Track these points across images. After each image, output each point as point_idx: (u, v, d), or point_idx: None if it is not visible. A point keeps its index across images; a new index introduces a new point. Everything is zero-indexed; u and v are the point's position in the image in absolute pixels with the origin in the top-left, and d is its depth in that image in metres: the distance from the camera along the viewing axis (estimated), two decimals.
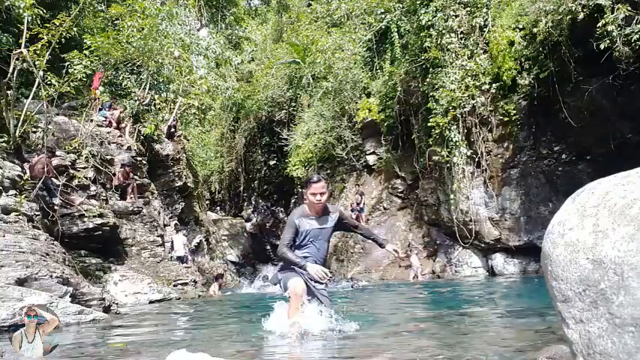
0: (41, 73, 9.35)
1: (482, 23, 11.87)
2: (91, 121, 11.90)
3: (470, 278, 11.84)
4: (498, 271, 11.94)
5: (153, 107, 14.28)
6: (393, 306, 7.24)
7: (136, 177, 12.03)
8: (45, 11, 10.46)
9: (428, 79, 12.37)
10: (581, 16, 8.96)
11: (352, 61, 15.86)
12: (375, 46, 15.88)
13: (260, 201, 23.17)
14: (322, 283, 4.01)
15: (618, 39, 8.47)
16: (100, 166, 10.93)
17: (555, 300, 1.65)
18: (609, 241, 1.45)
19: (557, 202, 9.99)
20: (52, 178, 9.31)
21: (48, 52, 9.42)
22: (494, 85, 11.40)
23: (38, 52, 9.17)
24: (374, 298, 8.92)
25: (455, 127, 11.70)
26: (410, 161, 14.09)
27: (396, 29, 14.96)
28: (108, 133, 12.22)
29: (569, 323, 1.58)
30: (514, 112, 11.38)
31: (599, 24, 8.61)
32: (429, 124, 12.03)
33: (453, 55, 11.78)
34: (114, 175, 11.28)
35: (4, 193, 7.66)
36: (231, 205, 24.37)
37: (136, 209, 11.29)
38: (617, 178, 1.61)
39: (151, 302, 8.80)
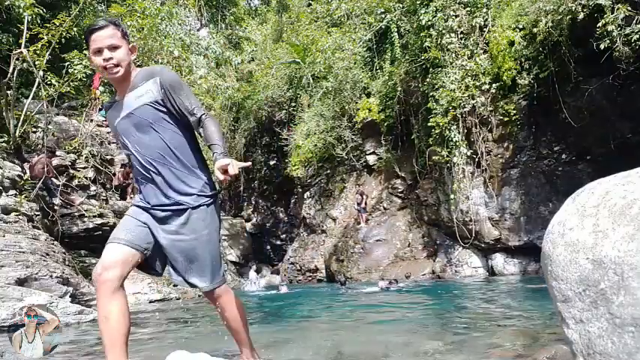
0: (41, 73, 9.36)
1: (483, 23, 11.87)
2: (91, 121, 11.91)
3: (470, 278, 11.84)
4: (498, 271, 11.94)
5: None
6: (394, 306, 7.24)
7: None
8: (45, 11, 10.47)
9: (428, 79, 12.37)
10: (581, 16, 8.96)
11: (352, 61, 15.86)
12: (375, 46, 15.88)
13: (260, 201, 23.16)
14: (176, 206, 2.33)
15: (618, 39, 8.47)
16: (100, 166, 10.93)
17: (555, 300, 1.65)
18: (609, 241, 1.45)
19: (557, 202, 10.00)
20: (52, 178, 9.31)
21: (48, 52, 9.43)
22: (494, 85, 11.40)
23: (38, 52, 9.17)
24: (395, 298, 8.91)
25: (455, 127, 11.71)
26: (410, 161, 14.09)
27: (396, 29, 14.96)
28: (108, 133, 12.23)
29: (569, 323, 1.58)
30: (514, 112, 11.38)
31: (599, 24, 8.61)
32: (429, 124, 12.03)
33: (453, 55, 11.78)
34: (114, 175, 11.28)
35: (4, 193, 7.66)
36: (231, 205, 24.35)
37: None
38: (617, 178, 1.61)
39: (151, 302, 8.81)
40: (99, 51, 2.26)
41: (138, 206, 2.41)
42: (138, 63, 13.75)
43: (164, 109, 2.35)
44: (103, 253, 2.22)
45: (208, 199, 2.41)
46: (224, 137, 2.41)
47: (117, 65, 2.28)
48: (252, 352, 2.64)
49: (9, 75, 9.08)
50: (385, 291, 9.78)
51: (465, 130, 11.78)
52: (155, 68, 2.45)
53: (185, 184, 2.37)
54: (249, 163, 2.45)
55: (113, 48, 2.26)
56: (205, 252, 2.37)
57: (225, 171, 2.16)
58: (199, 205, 2.37)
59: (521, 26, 11.21)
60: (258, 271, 17.08)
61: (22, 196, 7.84)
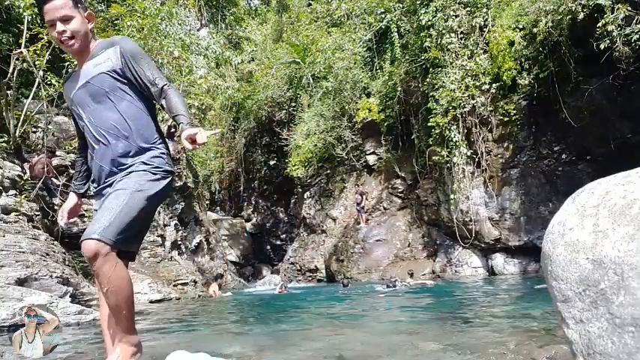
0: (41, 73, 9.35)
1: (483, 23, 11.88)
2: None
3: (470, 278, 11.84)
4: (498, 271, 11.94)
5: None
6: (393, 306, 7.25)
7: None
8: None
9: (428, 79, 12.37)
10: (581, 16, 8.96)
11: (352, 61, 15.87)
12: (375, 46, 15.89)
13: (260, 201, 23.16)
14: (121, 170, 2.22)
15: (618, 39, 8.47)
16: None
17: (555, 300, 1.65)
18: (609, 241, 1.45)
19: (557, 202, 10.00)
20: (52, 178, 9.31)
21: (48, 52, 9.42)
22: (494, 85, 11.41)
23: (38, 52, 9.17)
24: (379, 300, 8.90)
25: (455, 127, 11.71)
26: (410, 161, 14.10)
27: (396, 29, 14.96)
28: None
29: (569, 323, 1.58)
30: (514, 112, 11.38)
31: (599, 24, 8.61)
32: (429, 124, 12.03)
33: (453, 55, 11.78)
34: None
35: (4, 193, 7.67)
36: (231, 205, 24.36)
37: None
38: (617, 178, 1.61)
39: (151, 302, 8.81)
40: (52, 24, 2.15)
41: (96, 194, 2.32)
42: None
43: (122, 79, 2.24)
44: None
45: (155, 169, 2.22)
46: (186, 105, 2.28)
47: (72, 37, 2.17)
48: (127, 350, 2.18)
49: (9, 75, 9.08)
50: (392, 289, 9.77)
51: (465, 130, 11.78)
52: (115, 38, 2.34)
53: (134, 158, 2.21)
54: (220, 130, 2.34)
55: (66, 20, 2.15)
56: (117, 204, 2.06)
57: (193, 140, 2.07)
58: (142, 170, 2.19)
59: (521, 26, 11.21)
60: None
61: (22, 196, 7.84)
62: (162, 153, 2.29)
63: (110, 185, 2.20)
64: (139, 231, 2.21)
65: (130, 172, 2.18)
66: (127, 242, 2.10)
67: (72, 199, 2.50)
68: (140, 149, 2.23)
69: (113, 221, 2.02)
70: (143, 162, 2.20)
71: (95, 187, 2.30)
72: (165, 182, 2.25)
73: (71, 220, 2.52)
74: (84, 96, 2.25)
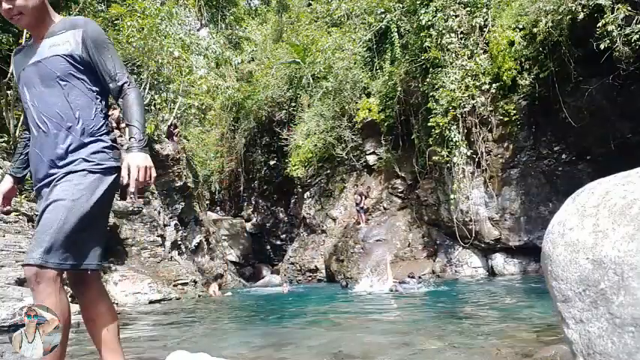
0: None
1: (483, 23, 11.87)
2: None
3: (470, 278, 11.84)
4: (498, 271, 11.94)
5: (153, 107, 14.27)
6: (394, 306, 7.25)
7: None
8: None
9: (428, 79, 12.37)
10: (581, 16, 8.96)
11: (352, 61, 15.87)
12: (375, 46, 15.88)
13: (260, 201, 23.16)
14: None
15: (618, 39, 8.47)
16: None
17: (555, 300, 1.65)
18: (609, 241, 1.45)
19: (557, 202, 9.99)
20: None
21: None
22: (494, 85, 11.41)
23: None
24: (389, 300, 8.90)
25: (455, 127, 11.71)
26: (410, 161, 14.10)
27: (396, 29, 14.96)
28: None
29: (569, 323, 1.58)
30: (514, 112, 11.38)
31: (599, 24, 8.61)
32: (429, 124, 12.03)
33: (453, 55, 11.78)
34: None
35: None
36: (231, 205, 24.36)
37: (136, 209, 11.31)
38: (617, 178, 1.61)
39: (151, 302, 8.81)
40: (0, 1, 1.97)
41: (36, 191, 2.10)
42: (138, 63, 13.78)
43: (78, 66, 2.04)
44: None
45: (97, 167, 1.99)
46: (144, 114, 2.08)
47: (19, 13, 1.98)
48: None
49: (9, 75, 9.08)
50: (398, 288, 9.69)
51: (465, 130, 11.78)
52: (79, 19, 2.13)
53: (74, 153, 1.99)
54: (152, 180, 1.97)
55: None
56: (56, 220, 1.84)
57: (130, 171, 1.90)
58: (82, 170, 1.96)
59: (521, 26, 11.21)
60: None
61: (22, 196, 7.84)
62: (106, 147, 2.06)
63: (48, 185, 1.98)
64: (91, 241, 1.95)
65: (68, 173, 1.95)
66: (77, 260, 1.89)
67: (7, 182, 2.26)
68: (82, 144, 2.01)
69: (54, 242, 1.81)
70: (84, 159, 1.99)
71: (34, 183, 2.09)
72: (109, 180, 2.02)
73: (6, 208, 2.29)
74: (33, 75, 2.04)
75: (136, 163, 1.94)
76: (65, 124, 2.00)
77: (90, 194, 1.94)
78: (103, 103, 2.14)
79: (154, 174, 2.00)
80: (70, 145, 1.99)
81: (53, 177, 1.97)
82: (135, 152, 1.96)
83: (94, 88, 2.10)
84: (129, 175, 1.93)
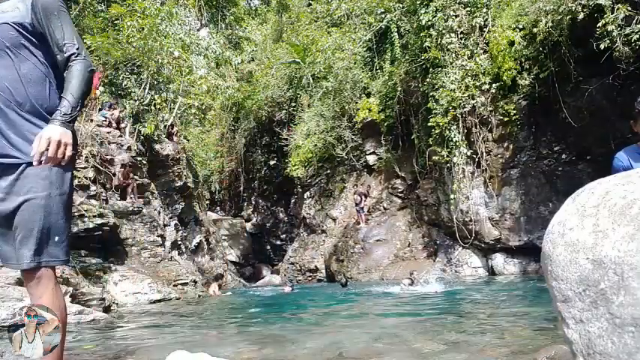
0: None
1: (483, 23, 11.87)
2: (91, 121, 11.89)
3: (470, 278, 11.84)
4: (498, 271, 11.93)
5: (153, 107, 14.27)
6: (393, 306, 7.25)
7: (135, 177, 12.04)
8: None
9: (428, 79, 12.37)
10: (581, 16, 8.96)
11: (352, 61, 15.87)
12: (375, 46, 15.89)
13: (260, 201, 23.17)
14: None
15: (618, 39, 8.47)
16: (100, 166, 10.94)
17: (555, 300, 1.65)
18: (609, 241, 1.45)
19: (557, 202, 9.99)
20: None
21: None
22: (494, 85, 11.41)
23: None
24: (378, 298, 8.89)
25: (455, 127, 11.71)
26: (410, 161, 14.10)
27: (396, 29, 14.96)
28: (108, 133, 12.22)
29: (569, 323, 1.58)
30: (514, 112, 11.38)
31: (599, 24, 8.61)
32: (429, 124, 12.03)
33: (453, 55, 11.78)
34: (114, 175, 11.28)
35: None
36: (231, 205, 24.37)
37: (136, 209, 11.31)
38: (617, 178, 1.61)
39: (151, 302, 8.81)
40: None
41: None
42: (138, 63, 13.77)
43: (30, 36, 1.87)
44: None
45: None
46: (84, 90, 1.90)
47: None
48: None
49: None
50: (406, 287, 9.63)
51: (465, 130, 11.78)
52: None
53: (27, 133, 1.83)
54: (67, 158, 1.80)
55: None
56: (37, 220, 1.79)
57: (43, 145, 1.74)
58: (42, 162, 1.80)
59: (521, 26, 11.21)
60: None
61: None
62: None
63: (3, 166, 1.83)
64: (67, 231, 1.92)
65: (30, 164, 1.79)
66: (65, 254, 1.89)
67: None
68: (33, 124, 1.85)
69: (40, 242, 1.79)
70: None
71: None
72: (71, 167, 1.93)
73: None
74: None
75: (49, 135, 1.75)
76: (15, 99, 1.84)
77: (60, 188, 1.86)
78: (60, 79, 1.95)
79: (68, 152, 1.80)
80: (17, 127, 1.83)
81: (10, 159, 1.82)
82: (54, 124, 1.78)
83: (50, 60, 1.92)
84: (38, 146, 1.73)
